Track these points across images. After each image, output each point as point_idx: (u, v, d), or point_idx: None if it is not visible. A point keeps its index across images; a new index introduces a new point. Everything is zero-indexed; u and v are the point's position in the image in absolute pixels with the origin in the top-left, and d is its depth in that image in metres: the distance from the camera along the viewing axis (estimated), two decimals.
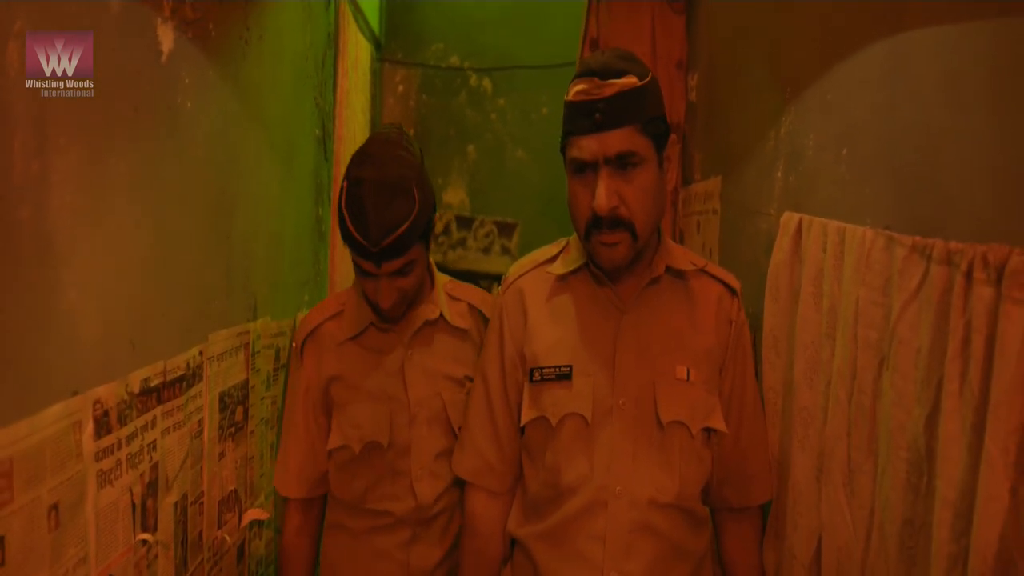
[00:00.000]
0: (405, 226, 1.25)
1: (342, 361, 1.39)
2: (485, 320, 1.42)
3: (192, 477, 1.18)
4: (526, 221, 3.38)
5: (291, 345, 1.40)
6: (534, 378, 1.22)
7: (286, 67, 1.68)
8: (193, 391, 1.17)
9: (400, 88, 3.30)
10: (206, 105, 1.18)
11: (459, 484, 1.38)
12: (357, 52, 2.53)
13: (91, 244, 0.87)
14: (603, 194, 1.11)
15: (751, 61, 1.61)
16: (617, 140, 1.11)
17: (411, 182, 1.28)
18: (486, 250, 3.40)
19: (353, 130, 2.48)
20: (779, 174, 1.41)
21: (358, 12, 2.54)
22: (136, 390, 0.97)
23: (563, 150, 1.20)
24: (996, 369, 0.77)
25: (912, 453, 0.94)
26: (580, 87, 1.14)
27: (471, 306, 1.46)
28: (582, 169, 1.15)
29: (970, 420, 0.81)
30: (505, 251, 3.40)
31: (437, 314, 1.40)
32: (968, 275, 0.82)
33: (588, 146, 1.12)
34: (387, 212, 1.24)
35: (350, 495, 1.40)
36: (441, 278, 1.47)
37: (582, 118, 1.13)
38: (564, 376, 1.19)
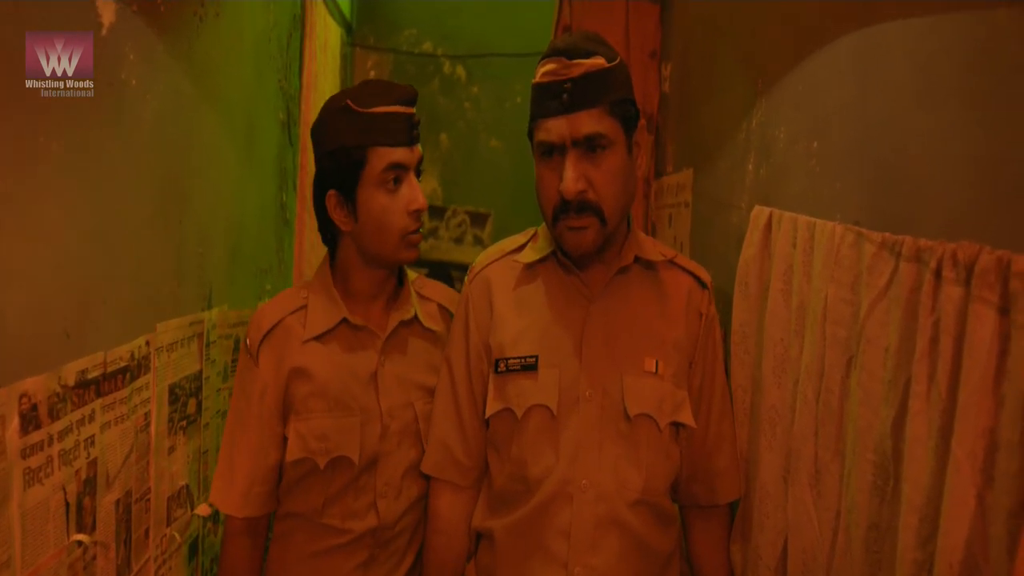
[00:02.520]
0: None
1: (305, 363, 1.24)
2: None
3: (137, 473, 1.13)
4: (499, 211, 3.34)
5: (243, 342, 1.28)
6: (499, 369, 1.19)
7: (246, 47, 1.62)
8: (139, 383, 1.12)
9: (371, 74, 3.23)
10: (154, 84, 1.12)
11: (424, 499, 1.31)
12: (326, 35, 2.46)
13: (15, 229, 0.81)
14: (571, 177, 1.09)
15: (723, 52, 1.58)
16: (585, 121, 1.09)
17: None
18: (458, 240, 3.35)
19: None
20: (750, 167, 1.39)
21: None
22: (71, 383, 0.92)
23: (530, 134, 1.17)
24: (964, 371, 0.75)
25: (878, 455, 0.92)
26: (547, 67, 1.11)
27: (440, 306, 1.38)
28: (549, 152, 1.13)
29: (937, 423, 0.79)
30: (478, 241, 3.35)
31: (412, 314, 1.32)
32: (937, 273, 0.80)
33: (555, 128, 1.10)
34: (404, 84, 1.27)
35: (305, 508, 1.27)
36: (410, 274, 1.39)
37: (549, 99, 1.10)
38: (529, 367, 1.17)
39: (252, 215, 1.73)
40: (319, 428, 1.23)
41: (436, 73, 3.28)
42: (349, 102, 1.20)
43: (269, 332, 1.26)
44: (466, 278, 1.31)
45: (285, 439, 1.26)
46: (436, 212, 3.36)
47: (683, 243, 1.82)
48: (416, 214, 1.25)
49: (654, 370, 1.17)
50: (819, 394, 1.07)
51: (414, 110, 1.26)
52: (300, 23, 2.08)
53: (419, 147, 1.27)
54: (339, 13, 2.81)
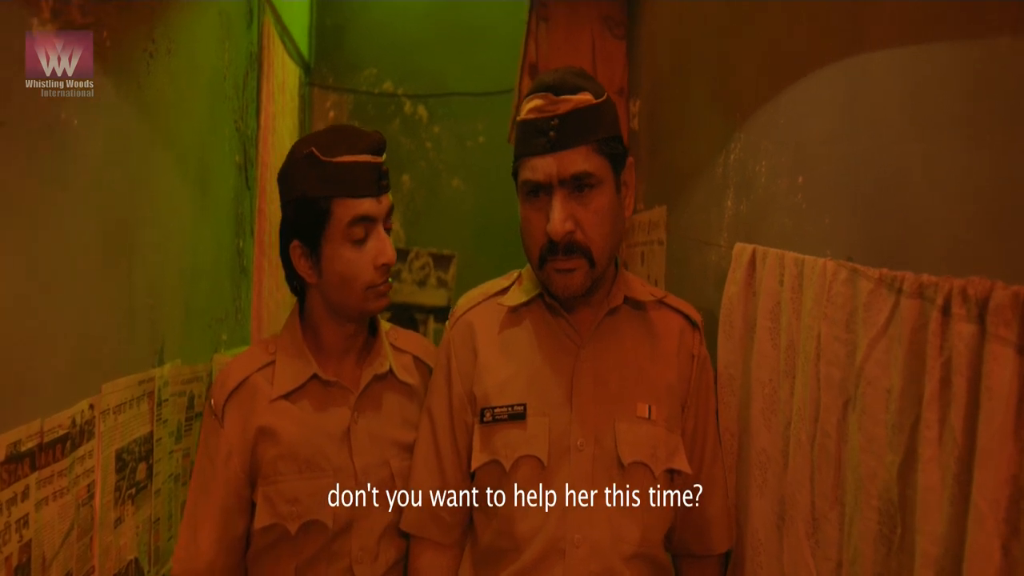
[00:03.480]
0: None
1: (273, 423, 1.17)
2: (430, 372, 1.30)
3: (79, 552, 1.02)
4: (463, 252, 3.28)
5: (207, 403, 1.20)
6: (485, 419, 1.13)
7: (201, 86, 1.55)
8: (81, 451, 1.01)
9: (331, 114, 3.17)
10: (98, 123, 1.04)
11: (403, 562, 1.23)
12: (284, 75, 2.40)
13: None
14: (558, 218, 1.05)
15: (696, 86, 1.57)
16: (572, 160, 1.06)
17: None
18: (421, 283, 3.28)
19: (280, 157, 2.35)
20: (729, 203, 1.36)
21: (284, 33, 2.42)
22: (0, 457, 0.82)
23: (515, 174, 1.14)
24: (983, 415, 0.70)
25: (884, 503, 0.87)
26: (533, 104, 1.08)
27: (416, 359, 1.31)
28: (535, 192, 1.09)
29: (952, 470, 0.74)
30: (441, 283, 3.28)
31: (387, 368, 1.25)
32: (945, 310, 0.76)
33: (542, 167, 1.06)
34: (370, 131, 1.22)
35: None
36: (383, 325, 1.32)
37: (535, 137, 1.07)
38: (517, 416, 1.11)
39: (207, 263, 1.63)
40: (289, 491, 1.16)
41: (397, 113, 3.25)
42: (314, 150, 1.15)
43: (235, 391, 1.19)
44: (447, 323, 1.26)
45: (253, 505, 1.18)
46: (398, 254, 3.28)
47: (657, 281, 1.79)
48: (384, 268, 1.20)
49: (647, 415, 1.12)
50: (814, 438, 1.02)
51: (383, 159, 1.21)
52: (257, 62, 2.01)
53: (388, 197, 1.22)
54: (297, 53, 2.76)
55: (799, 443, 1.05)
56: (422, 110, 3.24)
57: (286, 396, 1.19)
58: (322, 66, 3.18)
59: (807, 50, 1.07)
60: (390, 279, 1.24)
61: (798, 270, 1.07)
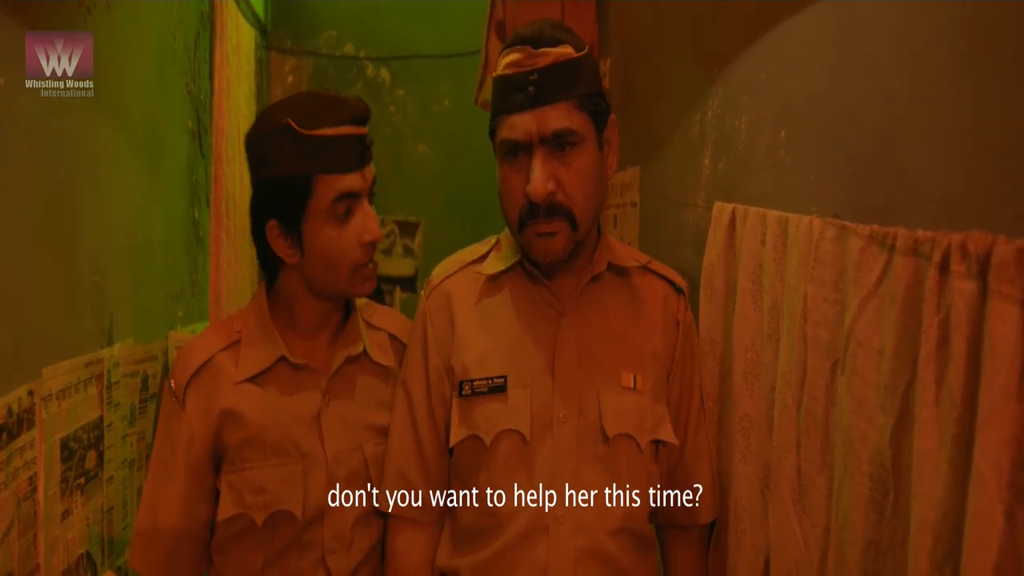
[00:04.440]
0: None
1: (238, 407, 1.11)
2: None
3: (21, 549, 0.95)
4: (429, 220, 3.20)
5: (167, 384, 1.13)
6: (464, 392, 1.09)
7: (147, 45, 1.44)
8: (19, 442, 0.94)
9: (290, 79, 3.04)
10: (27, 86, 0.95)
11: (379, 546, 1.18)
12: (239, 37, 2.28)
13: None
14: (539, 178, 1.00)
15: (671, 40, 1.51)
16: (553, 116, 1.00)
17: None
18: (387, 251, 3.20)
19: (236, 123, 2.23)
20: (706, 161, 1.31)
21: None
22: None
23: (492, 133, 1.08)
24: (985, 375, 0.67)
25: (876, 467, 0.84)
26: (511, 58, 1.02)
27: (392, 336, 1.24)
28: (514, 151, 1.03)
29: (951, 432, 0.71)
30: (408, 252, 3.21)
31: (360, 348, 1.18)
32: (943, 267, 0.73)
33: (521, 124, 1.01)
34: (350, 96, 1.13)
35: (241, 571, 1.12)
36: (357, 300, 1.25)
37: (513, 93, 1.01)
38: (498, 388, 1.07)
39: (159, 235, 1.54)
40: (256, 480, 1.09)
41: (359, 77, 3.13)
42: (291, 122, 1.05)
43: (197, 372, 1.12)
44: (422, 293, 1.20)
45: (217, 492, 1.11)
46: None
47: (631, 244, 1.74)
48: (370, 246, 1.13)
49: (632, 385, 1.08)
50: (800, 402, 0.99)
51: (366, 129, 1.12)
52: (209, 22, 1.90)
53: (372, 168, 1.14)
54: (252, 14, 2.63)
55: (784, 407, 1.02)
56: (385, 73, 3.12)
57: (252, 379, 1.12)
58: (279, 29, 3.04)
59: None
60: (376, 256, 1.17)
61: (781, 229, 1.03)
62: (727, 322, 1.19)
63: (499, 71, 1.05)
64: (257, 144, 1.10)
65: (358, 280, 1.13)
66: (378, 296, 3.32)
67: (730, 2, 1.21)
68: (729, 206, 1.17)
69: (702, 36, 1.34)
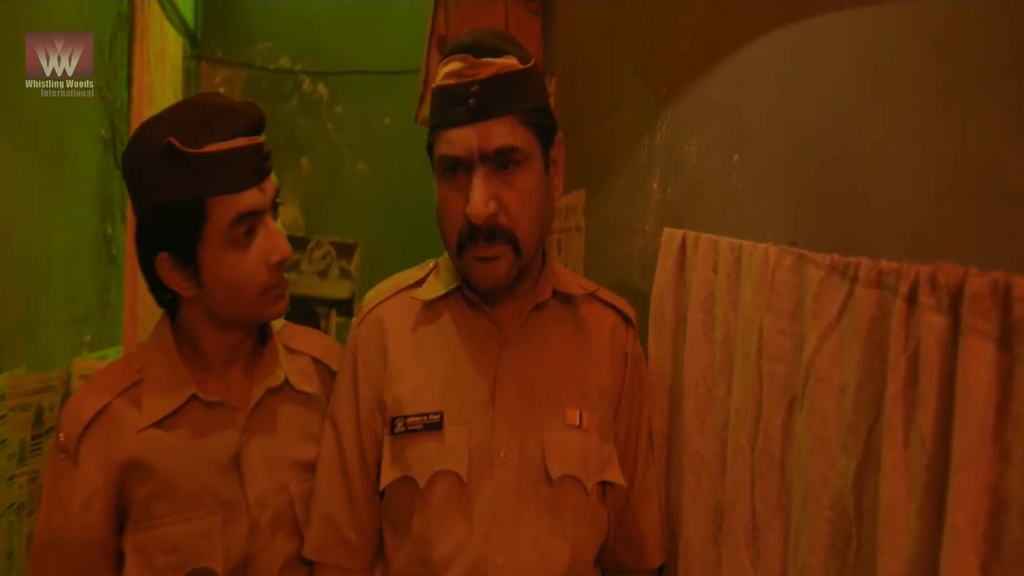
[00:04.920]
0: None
1: (144, 456, 0.99)
2: (333, 376, 1.14)
3: None
4: (367, 241, 3.09)
5: (55, 437, 0.99)
6: (396, 429, 1.00)
7: None
8: None
9: (221, 90, 2.91)
10: None
11: None
12: (164, 43, 2.15)
13: None
14: (480, 198, 0.93)
15: (619, 60, 1.46)
16: (496, 132, 0.93)
17: None
18: (323, 273, 3.07)
19: None
20: (655, 185, 1.26)
21: None
22: None
23: (429, 149, 1.01)
24: (958, 417, 0.62)
25: (837, 512, 0.79)
26: (450, 67, 0.95)
27: (315, 360, 1.14)
28: (453, 169, 0.96)
29: (921, 479, 0.66)
30: (344, 274, 3.09)
31: (281, 377, 1.07)
32: (910, 300, 0.68)
33: (460, 139, 0.94)
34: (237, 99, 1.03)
35: None
36: (274, 323, 1.13)
37: (453, 105, 0.94)
38: (433, 425, 0.99)
39: (62, 251, 1.40)
40: (168, 538, 0.97)
41: (295, 91, 3.01)
42: (173, 141, 0.93)
43: (91, 423, 0.98)
44: (353, 319, 1.11)
45: (121, 554, 0.98)
46: (298, 243, 3.06)
47: (576, 270, 1.68)
48: (278, 266, 1.02)
49: (578, 423, 1.01)
50: (755, 440, 0.93)
51: (262, 138, 1.02)
52: (128, 24, 1.77)
53: (273, 178, 1.03)
54: (180, 20, 2.49)
55: (738, 446, 0.96)
56: (322, 88, 3.02)
57: (159, 424, 1.00)
58: (210, 38, 2.91)
59: (744, 17, 0.98)
60: (286, 275, 1.07)
61: (734, 256, 0.98)
62: (677, 354, 1.13)
63: (438, 81, 0.98)
64: (136, 169, 0.98)
65: (268, 303, 1.03)
66: (313, 319, 3.18)
67: (682, 18, 1.17)
68: (679, 232, 1.12)
69: (652, 55, 1.29)
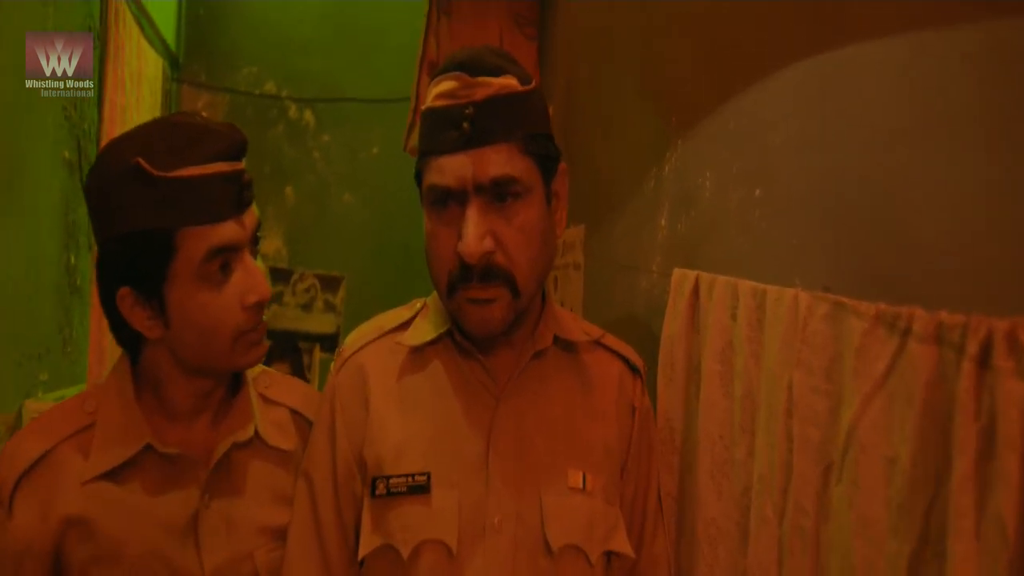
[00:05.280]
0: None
1: (88, 512, 0.88)
2: None
3: None
4: (354, 274, 2.98)
5: None
6: (378, 491, 0.89)
7: (4, 53, 1.21)
8: None
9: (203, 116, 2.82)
10: None
11: None
12: (140, 64, 2.06)
13: None
14: (473, 234, 0.83)
15: (622, 88, 1.38)
16: (493, 160, 0.84)
17: None
18: (307, 307, 2.96)
19: None
20: (663, 221, 1.17)
21: (142, 14, 2.08)
22: None
23: (418, 177, 0.91)
24: None
25: None
26: (443, 87, 0.86)
27: (293, 412, 1.02)
28: (444, 200, 0.87)
29: None
30: (329, 307, 2.97)
31: (251, 431, 0.96)
32: (982, 361, 0.58)
33: (453, 168, 0.84)
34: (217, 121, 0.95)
35: None
36: (250, 370, 1.02)
37: (445, 129, 0.85)
38: (419, 488, 0.88)
39: (15, 282, 1.29)
40: None
41: (281, 118, 2.92)
42: (141, 161, 0.83)
43: (30, 469, 0.88)
44: (332, 365, 1.00)
45: None
46: (281, 275, 2.95)
47: (573, 310, 1.58)
48: (256, 307, 0.91)
49: (581, 485, 0.90)
50: (783, 512, 0.82)
51: (243, 164, 0.91)
52: (101, 41, 1.68)
53: (254, 210, 0.93)
54: (160, 41, 2.41)
55: (763, 517, 0.85)
56: (309, 116, 2.93)
57: (108, 475, 0.89)
58: (193, 61, 2.82)
59: (766, 48, 0.89)
60: (264, 318, 0.95)
61: (757, 302, 0.88)
62: (689, 408, 1.03)
63: (428, 102, 0.88)
64: (98, 192, 0.88)
65: (242, 349, 0.92)
66: (296, 355, 3.05)
67: (693, 47, 1.09)
68: (692, 273, 1.02)
69: (660, 83, 1.21)
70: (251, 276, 0.90)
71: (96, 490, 0.88)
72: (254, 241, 0.93)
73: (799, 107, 0.84)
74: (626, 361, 0.99)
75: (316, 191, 2.95)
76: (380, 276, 2.91)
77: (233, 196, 0.88)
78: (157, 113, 2.36)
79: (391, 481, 0.88)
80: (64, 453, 0.89)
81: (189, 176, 0.84)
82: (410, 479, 0.88)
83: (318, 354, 2.92)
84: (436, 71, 0.89)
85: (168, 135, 0.86)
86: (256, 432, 0.96)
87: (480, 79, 0.84)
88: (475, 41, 1.72)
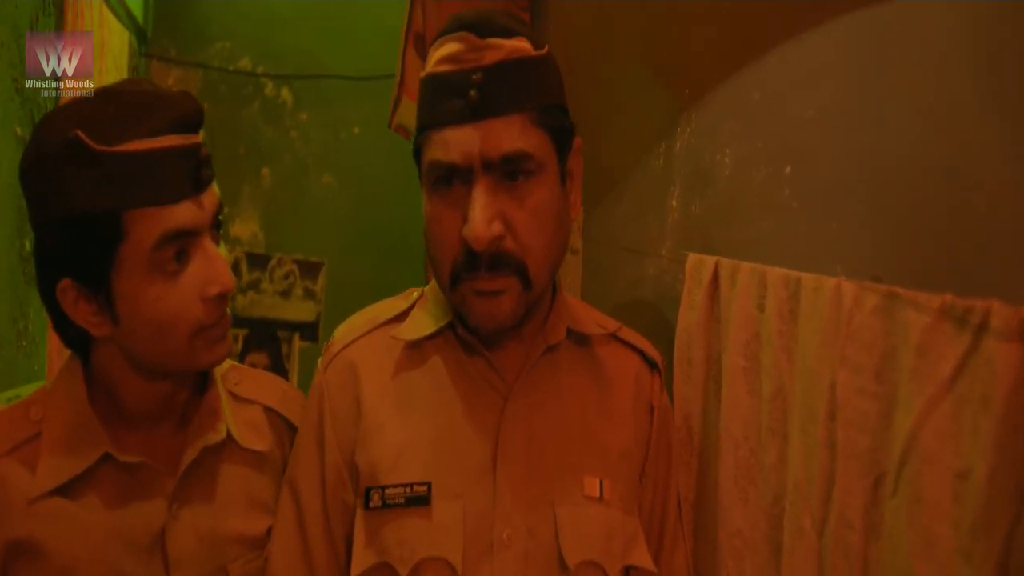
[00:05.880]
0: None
1: (37, 534, 0.79)
2: (292, 430, 0.94)
3: None
4: (334, 259, 2.87)
5: None
6: (372, 503, 0.81)
7: None
8: None
9: None
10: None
11: None
12: (104, 35, 1.92)
13: None
14: (481, 217, 0.74)
15: (626, 60, 1.28)
16: (503, 133, 0.74)
17: None
18: (285, 294, 2.83)
19: None
20: (674, 202, 1.07)
21: None
22: None
23: (417, 153, 0.82)
24: None
25: None
26: (446, 50, 0.76)
27: (267, 409, 0.94)
28: (447, 179, 0.77)
29: None
30: (309, 294, 2.85)
31: (223, 433, 0.87)
32: None
33: (458, 141, 0.75)
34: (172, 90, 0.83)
35: None
36: (219, 367, 0.92)
37: (448, 98, 0.75)
38: (419, 500, 0.80)
39: None
40: None
41: (256, 95, 2.78)
42: (80, 134, 0.72)
43: None
44: (319, 362, 0.90)
45: None
46: (257, 261, 2.82)
47: None
48: (218, 300, 0.81)
49: (598, 494, 0.82)
50: (823, 524, 0.74)
51: (200, 137, 0.80)
52: (57, 9, 1.54)
53: (214, 189, 0.82)
54: (126, 13, 2.26)
55: (799, 529, 0.77)
56: (286, 93, 2.79)
57: (60, 491, 0.79)
58: (162, 35, 2.67)
59: (793, 8, 0.80)
60: (229, 310, 0.84)
61: (789, 292, 0.80)
62: (708, 406, 0.94)
63: (429, 68, 0.78)
64: (33, 170, 0.77)
65: (203, 347, 0.81)
66: (274, 344, 2.94)
67: (714, 20, 0.99)
68: (710, 259, 0.94)
69: (670, 52, 1.11)
70: (212, 264, 0.79)
71: (46, 509, 0.78)
72: (215, 225, 0.82)
73: (836, 73, 0.75)
74: (643, 355, 0.90)
75: (294, 173, 2.82)
76: (362, 262, 2.80)
77: (189, 173, 0.77)
78: None
79: (387, 491, 0.79)
80: (6, 469, 0.79)
81: (136, 151, 0.73)
82: (408, 489, 0.79)
83: (297, 343, 2.80)
84: (439, 32, 0.79)
85: (112, 105, 0.75)
86: (228, 434, 0.87)
87: (490, 41, 0.74)
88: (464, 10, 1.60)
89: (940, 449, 0.61)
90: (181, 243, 0.77)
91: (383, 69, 2.60)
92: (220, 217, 0.83)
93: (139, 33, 2.52)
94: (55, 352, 1.64)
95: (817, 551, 0.75)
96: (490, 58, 0.74)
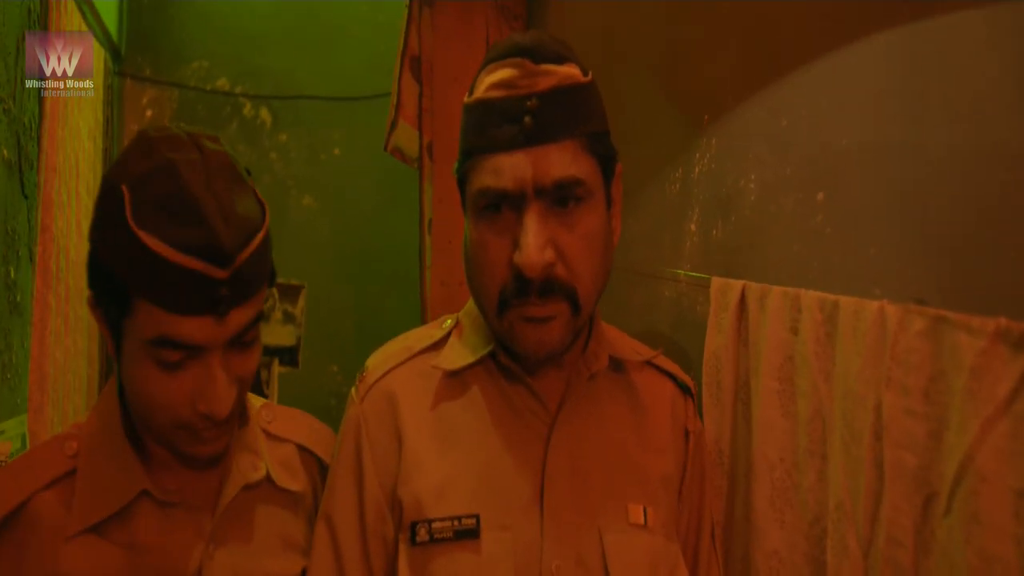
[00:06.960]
0: (262, 235, 0.76)
1: (75, 573, 0.76)
2: (323, 468, 0.91)
3: None
4: (314, 283, 2.82)
5: None
6: (418, 538, 0.79)
7: None
8: None
9: (148, 112, 2.60)
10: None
11: None
12: None
13: None
14: (534, 244, 0.73)
15: (635, 84, 1.30)
16: (555, 160, 0.74)
17: (248, 178, 0.80)
18: (263, 318, 2.77)
19: (75, 158, 1.80)
20: (692, 227, 1.09)
21: (84, 0, 1.89)
22: None
23: (461, 180, 0.81)
24: None
25: None
26: (500, 75, 0.76)
27: (300, 448, 0.91)
28: (496, 205, 0.76)
29: None
30: (288, 318, 2.79)
31: (263, 472, 0.84)
32: None
33: (512, 168, 0.74)
34: (236, 203, 0.73)
35: None
36: (253, 401, 0.90)
37: (501, 124, 0.75)
38: (468, 533, 0.78)
39: None
40: None
41: (234, 115, 2.73)
42: (129, 214, 0.69)
43: (2, 525, 0.76)
44: (353, 392, 0.87)
45: None
46: None
47: None
48: (205, 416, 0.76)
49: (643, 521, 0.82)
50: (870, 543, 0.75)
51: (225, 274, 0.71)
52: (40, 27, 1.50)
53: (249, 309, 0.75)
54: (102, 30, 2.20)
55: (843, 548, 0.78)
56: (265, 114, 2.75)
57: (95, 528, 0.77)
58: (136, 53, 2.60)
59: (830, 26, 0.82)
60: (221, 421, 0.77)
61: (825, 315, 0.81)
62: (737, 429, 0.95)
63: (479, 93, 0.78)
64: (97, 212, 0.76)
65: (185, 442, 0.78)
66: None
67: (728, 36, 1.01)
68: (737, 283, 0.95)
69: (687, 77, 1.13)
70: (208, 385, 0.74)
71: (82, 546, 0.76)
72: (241, 344, 0.76)
73: (872, 95, 0.77)
74: (675, 380, 0.90)
75: (273, 194, 2.77)
76: (342, 285, 2.76)
77: (204, 298, 0.71)
78: (99, 108, 2.16)
79: (434, 525, 0.77)
80: (40, 506, 0.76)
81: (155, 249, 0.69)
82: (456, 523, 0.77)
83: (276, 368, 2.73)
84: (488, 56, 0.79)
85: (163, 184, 0.71)
86: (268, 474, 0.85)
87: (544, 67, 0.74)
88: (461, 33, 1.61)
89: (1000, 469, 0.63)
90: (183, 352, 0.73)
91: (364, 90, 2.59)
92: (245, 339, 0.76)
93: (113, 51, 2.46)
94: (35, 383, 1.58)
95: (863, 570, 0.76)
96: (544, 84, 0.74)
